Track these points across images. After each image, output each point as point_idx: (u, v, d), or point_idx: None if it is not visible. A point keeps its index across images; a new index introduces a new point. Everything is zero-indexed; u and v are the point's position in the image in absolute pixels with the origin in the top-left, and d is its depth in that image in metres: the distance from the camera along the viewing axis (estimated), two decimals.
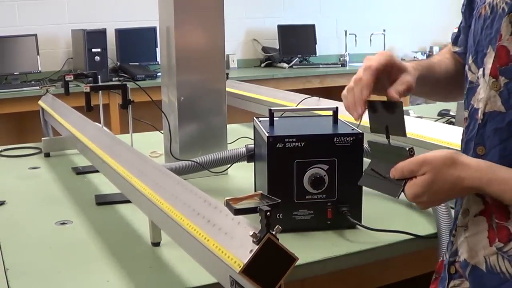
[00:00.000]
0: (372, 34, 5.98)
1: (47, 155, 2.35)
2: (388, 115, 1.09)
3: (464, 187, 0.96)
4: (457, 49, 1.21)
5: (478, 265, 1.00)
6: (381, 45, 6.05)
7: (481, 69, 1.00)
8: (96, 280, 1.26)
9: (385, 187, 1.09)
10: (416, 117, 2.24)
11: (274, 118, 1.58)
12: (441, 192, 0.97)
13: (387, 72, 1.08)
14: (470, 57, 1.03)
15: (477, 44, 1.01)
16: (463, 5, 1.16)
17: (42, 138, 2.39)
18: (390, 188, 1.07)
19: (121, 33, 4.99)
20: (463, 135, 1.07)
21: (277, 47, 5.72)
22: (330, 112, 1.60)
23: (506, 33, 0.94)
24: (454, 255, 1.06)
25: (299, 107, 2.31)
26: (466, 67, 1.05)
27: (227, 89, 2.07)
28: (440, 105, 2.95)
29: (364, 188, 1.48)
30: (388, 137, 1.10)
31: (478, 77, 1.00)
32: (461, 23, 1.19)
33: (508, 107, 0.94)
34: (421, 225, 1.49)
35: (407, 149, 1.02)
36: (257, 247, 0.90)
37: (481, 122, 0.99)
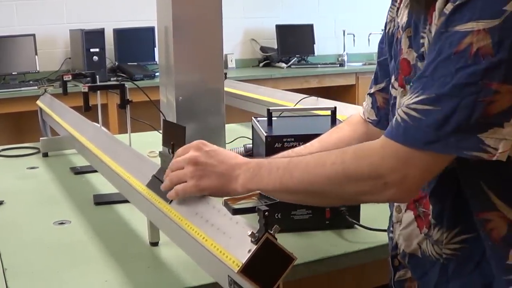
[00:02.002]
0: (370, 34, 5.98)
1: (45, 155, 2.35)
2: (175, 136, 1.31)
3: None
4: (382, 85, 1.27)
5: (414, 252, 1.08)
6: None
7: None
8: (95, 280, 1.26)
9: (162, 192, 1.23)
10: None
11: (272, 118, 1.58)
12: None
13: None
14: (393, 76, 1.12)
15: (397, 64, 1.10)
16: (382, 41, 1.26)
17: (40, 138, 2.39)
18: (165, 193, 1.20)
19: (119, 33, 4.99)
20: None
21: (275, 47, 5.72)
22: (328, 112, 1.60)
23: (405, 47, 1.04)
24: (395, 249, 1.13)
25: (297, 107, 2.31)
26: (390, 86, 1.14)
27: (225, 89, 2.06)
28: None
29: None
30: (172, 153, 1.26)
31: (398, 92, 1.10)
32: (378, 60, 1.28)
33: None
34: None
35: None
36: (255, 247, 0.90)
37: None
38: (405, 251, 1.10)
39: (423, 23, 0.97)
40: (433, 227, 1.03)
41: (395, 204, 1.13)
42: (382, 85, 1.26)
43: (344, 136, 1.32)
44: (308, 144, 1.32)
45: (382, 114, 1.27)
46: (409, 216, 1.09)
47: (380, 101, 1.27)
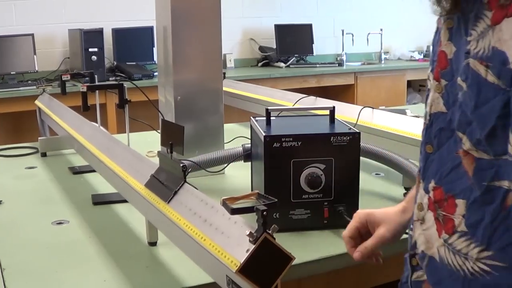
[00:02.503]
0: (369, 33, 5.98)
1: (43, 154, 2.35)
2: (173, 135, 1.33)
3: None
4: None
5: (434, 255, 1.03)
6: (378, 44, 6.05)
7: None
8: (93, 280, 1.26)
9: (160, 192, 1.27)
10: (413, 116, 2.24)
11: (271, 118, 1.58)
12: None
13: (365, 228, 1.22)
14: (430, 67, 1.08)
15: (433, 54, 1.06)
16: None
17: (39, 138, 2.39)
18: (164, 193, 1.25)
19: (118, 33, 4.99)
20: (422, 137, 1.12)
21: (274, 46, 5.72)
22: (327, 112, 1.60)
23: (444, 39, 1.00)
24: (414, 248, 1.09)
25: (296, 106, 2.31)
26: (427, 77, 1.10)
27: (224, 88, 2.07)
28: None
29: (361, 187, 1.49)
30: (171, 152, 1.31)
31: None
32: None
33: (448, 107, 0.99)
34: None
35: (181, 166, 1.24)
36: (253, 246, 0.90)
37: (428, 123, 1.05)
38: (425, 252, 1.05)
39: (474, 19, 0.92)
40: (460, 235, 0.95)
41: (417, 201, 1.08)
42: None
43: None
44: None
45: None
46: (430, 216, 1.03)
47: None
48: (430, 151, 1.05)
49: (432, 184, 1.02)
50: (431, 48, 1.10)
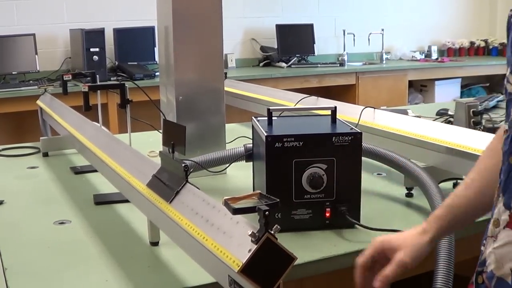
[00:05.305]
0: (370, 33, 5.97)
1: (45, 154, 2.35)
2: (175, 135, 1.34)
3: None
4: None
5: (504, 277, 0.97)
6: (379, 44, 6.05)
7: None
8: (95, 280, 1.26)
9: (162, 191, 1.28)
10: (415, 116, 2.24)
11: (273, 118, 1.58)
12: None
13: (384, 255, 1.13)
14: (509, 69, 0.99)
15: None
16: None
17: (41, 138, 2.39)
18: (165, 193, 1.26)
19: (119, 33, 4.99)
20: (503, 146, 1.02)
21: (276, 46, 5.72)
22: (329, 112, 1.60)
23: None
24: (482, 265, 1.03)
25: (297, 106, 2.31)
26: (505, 80, 1.00)
27: (226, 88, 2.07)
28: (438, 105, 2.95)
29: (362, 187, 1.49)
30: (172, 152, 1.32)
31: None
32: None
33: None
34: (419, 225, 1.49)
35: (183, 165, 1.24)
36: (255, 246, 0.90)
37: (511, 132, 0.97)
38: (494, 272, 0.98)
39: None
40: None
41: (494, 216, 1.01)
42: None
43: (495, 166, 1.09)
44: (468, 180, 1.16)
45: None
46: (508, 235, 0.96)
47: None
48: None
49: None
50: (508, 45, 0.97)
